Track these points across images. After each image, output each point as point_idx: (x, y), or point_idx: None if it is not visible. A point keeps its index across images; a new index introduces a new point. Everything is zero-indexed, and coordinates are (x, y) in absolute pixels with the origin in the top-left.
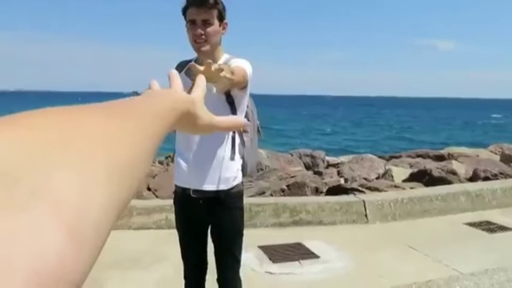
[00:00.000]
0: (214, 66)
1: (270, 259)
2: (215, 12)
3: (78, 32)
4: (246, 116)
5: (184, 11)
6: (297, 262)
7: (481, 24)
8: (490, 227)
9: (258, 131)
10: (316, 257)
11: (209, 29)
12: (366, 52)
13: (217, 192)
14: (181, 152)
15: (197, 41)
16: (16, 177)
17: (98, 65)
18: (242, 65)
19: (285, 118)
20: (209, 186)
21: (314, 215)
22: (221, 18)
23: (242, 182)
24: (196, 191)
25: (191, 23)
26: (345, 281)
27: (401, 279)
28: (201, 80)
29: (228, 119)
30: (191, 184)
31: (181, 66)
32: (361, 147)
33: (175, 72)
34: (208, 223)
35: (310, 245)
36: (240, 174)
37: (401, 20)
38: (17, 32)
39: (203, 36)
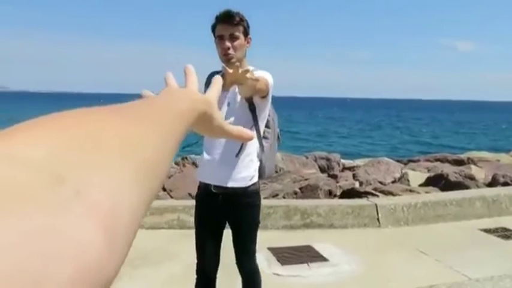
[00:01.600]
0: (241, 69)
1: (278, 261)
2: (241, 28)
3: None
4: (267, 124)
5: (213, 28)
6: (305, 265)
7: (499, 24)
8: (506, 234)
9: (278, 137)
10: (325, 260)
11: (236, 43)
12: (386, 52)
13: (236, 189)
14: (207, 151)
15: (225, 54)
16: (60, 177)
17: (117, 65)
18: (265, 75)
19: (301, 121)
20: (229, 183)
21: (325, 218)
22: (246, 33)
23: (258, 181)
24: (216, 187)
25: (220, 38)
26: (352, 284)
27: (410, 284)
28: (217, 81)
29: (239, 129)
30: (212, 180)
31: (212, 74)
32: (379, 150)
33: (191, 68)
34: (226, 217)
35: (320, 248)
36: (256, 174)
37: (423, 20)
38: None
39: (230, 50)
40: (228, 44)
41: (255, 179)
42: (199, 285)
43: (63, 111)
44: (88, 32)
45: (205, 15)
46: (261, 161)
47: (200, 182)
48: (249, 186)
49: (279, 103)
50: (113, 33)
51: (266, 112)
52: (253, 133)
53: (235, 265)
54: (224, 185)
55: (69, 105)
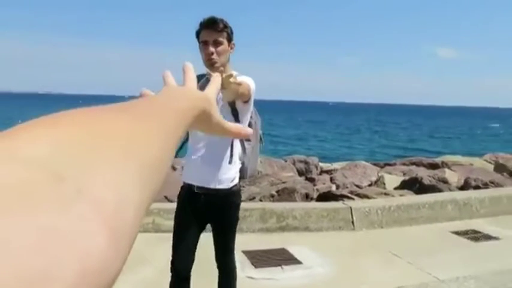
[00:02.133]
0: (224, 74)
1: (252, 264)
2: (224, 34)
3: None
4: (249, 127)
5: (198, 34)
6: (279, 267)
7: (480, 32)
8: (475, 236)
9: (260, 140)
10: (299, 262)
11: (219, 49)
12: (369, 58)
13: (218, 190)
14: (192, 153)
15: (209, 59)
16: (62, 176)
17: (97, 68)
18: (247, 80)
19: (281, 124)
20: (212, 184)
21: (301, 221)
22: (229, 39)
23: (239, 182)
24: (199, 188)
25: (204, 44)
26: (324, 287)
27: (381, 286)
28: (216, 78)
29: (237, 126)
30: (196, 181)
31: (198, 78)
32: (357, 154)
33: (190, 65)
34: (207, 217)
35: (294, 250)
36: (238, 175)
37: (407, 27)
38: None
39: (214, 55)
40: (211, 49)
41: (237, 180)
42: (174, 283)
43: (63, 110)
44: (68, 32)
45: (179, 16)
46: (243, 162)
47: (184, 183)
48: (231, 187)
49: (261, 106)
50: (93, 33)
51: (248, 116)
52: (251, 130)
53: (210, 264)
54: (207, 186)
55: (50, 106)
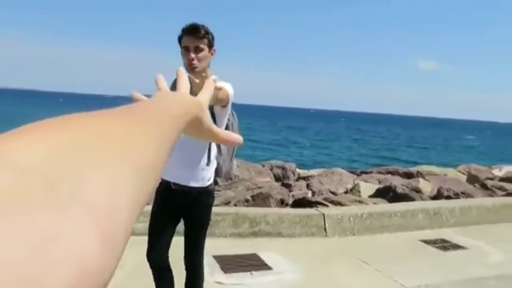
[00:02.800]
0: (206, 78)
1: (222, 269)
2: (205, 41)
3: (60, 31)
4: (227, 128)
5: (180, 39)
6: (248, 273)
7: (461, 46)
8: (444, 245)
9: None
10: (269, 268)
11: (200, 55)
12: (353, 67)
13: (194, 188)
14: (171, 152)
15: (190, 64)
16: (56, 180)
17: (80, 66)
18: (226, 86)
19: (262, 129)
20: (186, 182)
21: (273, 227)
22: (210, 45)
23: (214, 183)
24: (176, 184)
25: (185, 49)
26: None
27: None
28: (209, 85)
29: (228, 133)
30: (173, 178)
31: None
32: (336, 161)
33: (183, 70)
34: (181, 213)
35: (266, 256)
36: (213, 175)
37: (389, 38)
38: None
39: (195, 61)
40: (192, 55)
41: (212, 180)
42: (154, 275)
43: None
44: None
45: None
46: (218, 162)
47: (162, 179)
48: (206, 186)
49: (242, 110)
50: (73, 31)
51: (225, 119)
52: (241, 138)
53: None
54: (183, 184)
55: (30, 102)
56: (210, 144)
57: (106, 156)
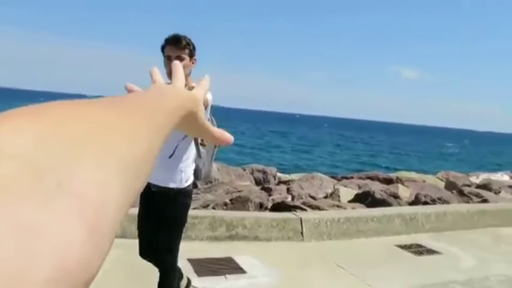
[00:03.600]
0: (187, 86)
1: (195, 272)
2: (186, 51)
3: (38, 29)
4: None
5: (163, 49)
6: (222, 277)
7: (442, 56)
8: (419, 250)
9: (215, 145)
10: (243, 272)
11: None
12: (337, 74)
13: (170, 189)
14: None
15: (171, 73)
16: (43, 169)
17: (58, 65)
18: (207, 95)
19: (246, 133)
20: (165, 183)
21: (250, 231)
22: (191, 55)
23: (191, 185)
24: (155, 186)
25: (168, 59)
26: None
27: None
28: (205, 81)
29: (221, 131)
30: (152, 179)
31: None
32: (318, 166)
33: (179, 64)
34: (158, 211)
35: (241, 260)
36: (192, 176)
37: (372, 46)
38: None
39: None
40: (170, 65)
41: (190, 182)
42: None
43: (51, 102)
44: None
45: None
46: (197, 165)
47: None
48: (184, 187)
49: (226, 114)
50: (55, 29)
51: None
52: (232, 138)
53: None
54: (161, 185)
55: (9, 101)
56: (189, 144)
57: (96, 147)
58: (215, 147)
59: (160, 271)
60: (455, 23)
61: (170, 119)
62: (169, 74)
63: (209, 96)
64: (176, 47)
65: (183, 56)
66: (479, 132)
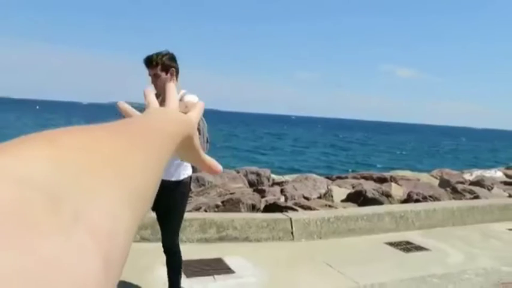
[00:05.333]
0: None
1: (184, 273)
2: (158, 68)
3: (28, 35)
4: (198, 131)
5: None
6: (211, 277)
7: (437, 54)
8: (407, 247)
9: (207, 141)
10: (232, 272)
11: (158, 80)
12: (331, 74)
13: (168, 181)
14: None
15: (154, 88)
16: (60, 199)
17: (52, 72)
18: (193, 100)
19: (242, 136)
20: (163, 177)
21: (241, 232)
22: (166, 69)
23: (189, 178)
24: None
25: (150, 76)
26: None
27: None
28: (200, 105)
29: (210, 160)
30: None
31: (155, 96)
32: (313, 167)
33: (173, 86)
34: (161, 202)
35: (230, 261)
36: (190, 169)
37: (365, 44)
38: None
39: (155, 85)
40: (153, 80)
41: (187, 174)
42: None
43: (61, 128)
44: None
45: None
46: None
47: None
48: (182, 179)
49: (223, 117)
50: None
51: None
52: (221, 168)
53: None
54: (162, 178)
55: (6, 109)
56: None
57: (109, 177)
58: (207, 142)
59: (167, 252)
60: (450, 23)
61: (171, 144)
62: (157, 95)
63: (191, 97)
64: (149, 67)
65: (158, 73)
66: (476, 130)
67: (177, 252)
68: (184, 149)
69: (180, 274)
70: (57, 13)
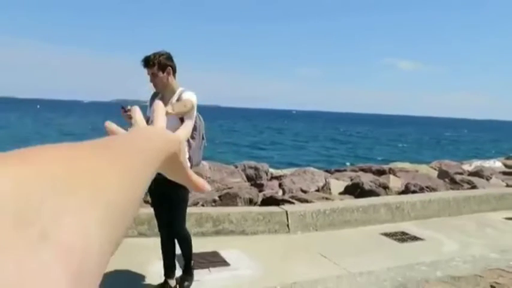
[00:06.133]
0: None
1: (180, 267)
2: (156, 67)
3: (31, 35)
4: (194, 128)
5: None
6: (206, 270)
7: (439, 46)
8: (403, 237)
9: (203, 138)
10: (227, 265)
11: (156, 79)
12: (332, 69)
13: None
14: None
15: (153, 86)
16: (27, 218)
17: (55, 71)
18: (191, 97)
19: (243, 131)
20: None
21: (237, 225)
22: (163, 68)
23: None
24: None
25: (147, 74)
26: (247, 286)
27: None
28: (189, 122)
29: (197, 177)
30: None
31: (155, 95)
32: (313, 161)
33: (161, 104)
34: (164, 195)
35: (226, 254)
36: (188, 164)
37: (366, 39)
38: None
39: (154, 84)
40: (151, 79)
41: (188, 166)
42: (161, 243)
43: (36, 146)
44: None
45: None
46: (189, 155)
47: None
48: None
49: (223, 113)
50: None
51: (193, 120)
52: (209, 187)
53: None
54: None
55: (7, 109)
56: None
57: (77, 194)
58: (203, 138)
59: (177, 238)
60: (452, 14)
61: (154, 161)
62: (153, 87)
63: (193, 100)
64: (147, 67)
65: (155, 72)
66: (479, 121)
67: (188, 236)
68: (170, 167)
69: (191, 255)
70: (57, 13)
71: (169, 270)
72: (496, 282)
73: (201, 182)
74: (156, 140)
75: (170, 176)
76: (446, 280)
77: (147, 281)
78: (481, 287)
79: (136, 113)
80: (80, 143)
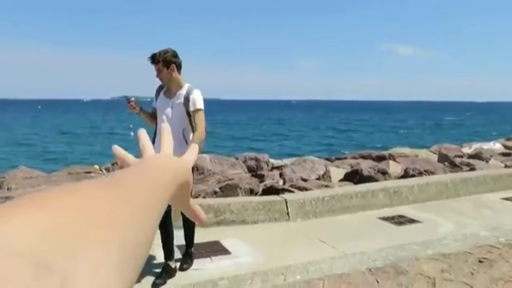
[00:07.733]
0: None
1: (180, 253)
2: (161, 64)
3: (32, 35)
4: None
5: None
6: (208, 259)
7: (439, 31)
8: (400, 220)
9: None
10: (228, 253)
11: (161, 74)
12: (332, 58)
13: None
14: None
15: (160, 80)
16: (48, 267)
17: (57, 71)
18: (196, 97)
19: (244, 123)
20: None
21: (237, 215)
22: (167, 65)
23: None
24: None
25: (155, 70)
26: (247, 273)
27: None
28: (194, 148)
29: (199, 209)
30: None
31: (161, 87)
32: (315, 151)
33: (168, 128)
34: None
35: (227, 243)
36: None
37: (365, 26)
38: None
39: (160, 78)
40: (157, 74)
41: None
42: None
43: (53, 188)
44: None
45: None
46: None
47: None
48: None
49: (223, 105)
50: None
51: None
52: (205, 219)
53: None
54: None
55: (8, 110)
56: (183, 128)
57: (94, 239)
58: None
59: (183, 226)
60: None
61: (167, 194)
62: (160, 81)
63: (199, 100)
64: (154, 63)
65: (160, 68)
66: (482, 103)
67: (193, 227)
68: (177, 194)
69: (193, 240)
70: (58, 13)
71: (169, 254)
72: (485, 258)
73: (201, 213)
74: (168, 171)
75: (172, 204)
76: (437, 258)
77: (149, 266)
78: (470, 263)
79: (143, 136)
80: (93, 183)
